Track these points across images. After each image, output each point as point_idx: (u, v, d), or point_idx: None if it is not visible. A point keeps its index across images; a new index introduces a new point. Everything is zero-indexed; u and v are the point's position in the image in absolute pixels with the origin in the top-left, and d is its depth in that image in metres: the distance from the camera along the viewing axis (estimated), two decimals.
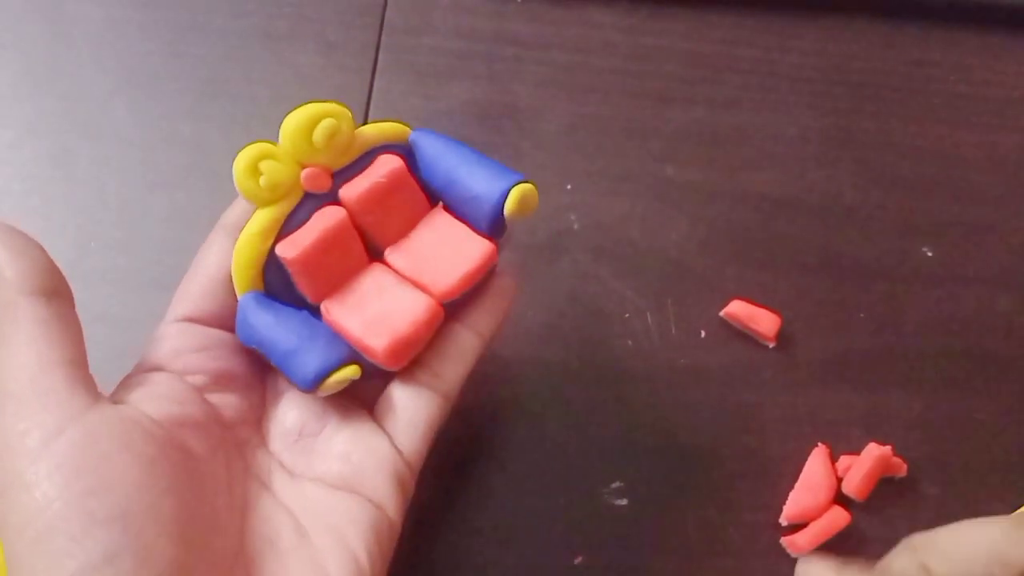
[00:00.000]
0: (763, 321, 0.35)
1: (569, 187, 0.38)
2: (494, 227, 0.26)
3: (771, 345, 0.36)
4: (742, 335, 0.36)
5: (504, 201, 0.25)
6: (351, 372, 0.24)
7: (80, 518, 0.19)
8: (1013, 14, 0.43)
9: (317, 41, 0.41)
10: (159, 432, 0.22)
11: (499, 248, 0.27)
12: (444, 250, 0.26)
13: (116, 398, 0.23)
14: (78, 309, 0.35)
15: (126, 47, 0.40)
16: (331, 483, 0.25)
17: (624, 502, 0.33)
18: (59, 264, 0.35)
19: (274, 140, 0.39)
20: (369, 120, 0.39)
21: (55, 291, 0.22)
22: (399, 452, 0.25)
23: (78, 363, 0.22)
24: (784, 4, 0.43)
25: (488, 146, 0.39)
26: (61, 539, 0.19)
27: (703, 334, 0.36)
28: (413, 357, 0.25)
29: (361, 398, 0.27)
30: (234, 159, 0.25)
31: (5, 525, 0.20)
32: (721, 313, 0.36)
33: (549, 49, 0.42)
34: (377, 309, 0.25)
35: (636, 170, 0.39)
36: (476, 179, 0.26)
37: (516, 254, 0.33)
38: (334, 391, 0.24)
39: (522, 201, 0.25)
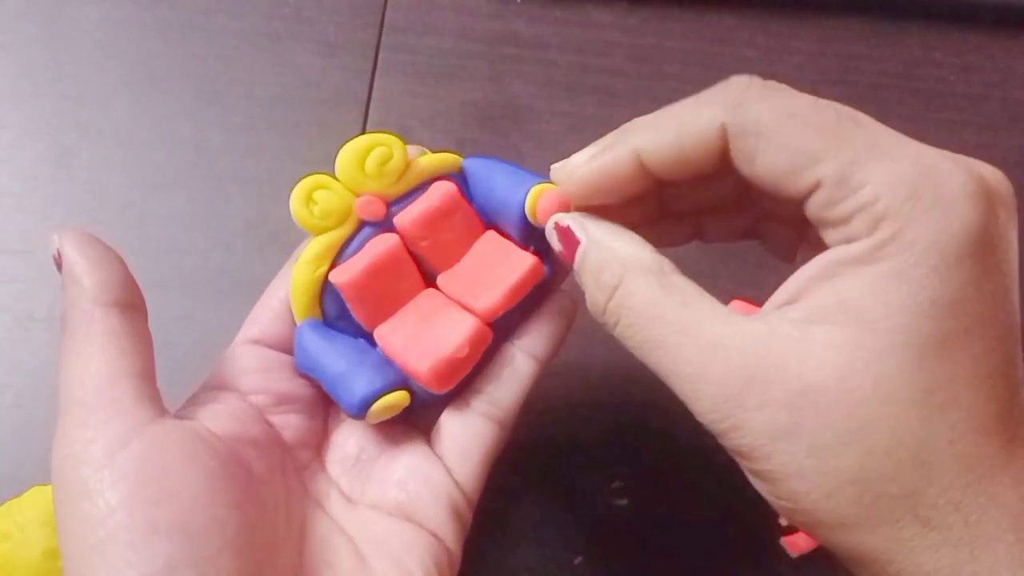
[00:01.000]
0: None
1: None
2: (526, 234, 0.26)
3: None
4: None
5: (524, 203, 0.25)
6: (398, 398, 0.24)
7: (142, 527, 0.19)
8: (1013, 14, 0.43)
9: (317, 41, 0.41)
10: (222, 447, 0.22)
11: (552, 264, 0.26)
12: (491, 269, 0.26)
13: (182, 413, 0.23)
14: None
15: (126, 47, 0.40)
16: (388, 511, 0.25)
17: (624, 502, 0.33)
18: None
19: (279, 146, 0.39)
20: (368, 121, 0.39)
21: (130, 304, 0.23)
22: (455, 482, 0.25)
23: (147, 376, 0.22)
24: (784, 4, 0.43)
25: (488, 146, 0.39)
26: (122, 548, 0.19)
27: None
28: (460, 379, 0.25)
29: (420, 425, 0.26)
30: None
31: (66, 532, 0.20)
32: None
33: (549, 49, 0.42)
34: (425, 333, 0.25)
35: None
36: (504, 187, 0.25)
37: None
38: (383, 418, 0.24)
39: (540, 204, 0.25)
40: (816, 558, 0.32)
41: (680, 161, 0.22)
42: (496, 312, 0.25)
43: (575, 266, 0.23)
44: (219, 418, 0.23)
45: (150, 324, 0.26)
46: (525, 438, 0.34)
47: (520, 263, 0.25)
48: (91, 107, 0.39)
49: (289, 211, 0.37)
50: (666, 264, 0.22)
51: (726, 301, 0.36)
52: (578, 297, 0.27)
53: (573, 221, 0.23)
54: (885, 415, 0.19)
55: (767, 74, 0.43)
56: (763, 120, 0.21)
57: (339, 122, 0.39)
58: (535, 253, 0.26)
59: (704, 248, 0.38)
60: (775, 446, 0.19)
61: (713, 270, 0.37)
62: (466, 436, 0.26)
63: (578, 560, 0.32)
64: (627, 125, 0.24)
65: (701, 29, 0.43)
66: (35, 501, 0.29)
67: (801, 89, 0.44)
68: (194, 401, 0.24)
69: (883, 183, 0.19)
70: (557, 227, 0.23)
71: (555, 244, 0.24)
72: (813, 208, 0.21)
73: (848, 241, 0.20)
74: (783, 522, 0.33)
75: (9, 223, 0.36)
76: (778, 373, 0.19)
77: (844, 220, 0.20)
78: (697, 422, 0.35)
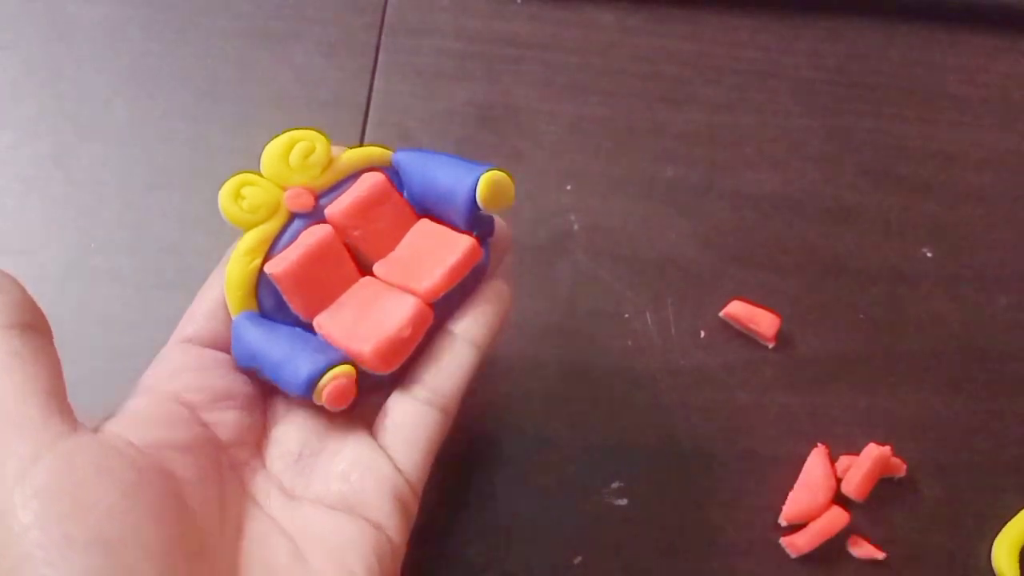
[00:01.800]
0: (763, 321, 0.35)
1: (569, 188, 0.38)
2: (471, 220, 0.26)
3: (771, 345, 0.36)
4: (742, 335, 0.36)
5: (475, 190, 0.25)
6: (345, 370, 0.24)
7: (57, 543, 0.19)
8: (1013, 14, 0.43)
9: (317, 41, 0.41)
10: (140, 457, 0.22)
11: (489, 248, 0.27)
12: (428, 253, 0.26)
13: (103, 425, 0.23)
14: (78, 308, 0.35)
15: (126, 47, 0.40)
16: (330, 504, 0.24)
17: (624, 502, 0.33)
18: (59, 264, 0.35)
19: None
20: (368, 121, 0.39)
21: (30, 325, 0.22)
22: (399, 471, 0.25)
23: (55, 394, 0.22)
24: (784, 4, 0.43)
25: (488, 146, 0.39)
26: (39, 565, 0.19)
27: (703, 334, 0.36)
28: (403, 359, 0.25)
29: (362, 417, 0.26)
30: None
31: None
32: (721, 313, 0.36)
33: (549, 49, 0.42)
34: (366, 316, 0.25)
35: (636, 170, 0.39)
36: (449, 175, 0.26)
37: (515, 256, 0.33)
38: (336, 401, 0.24)
39: (493, 187, 0.25)
40: (816, 558, 0.32)
41: None
42: (437, 292, 0.25)
43: None
44: (141, 426, 0.23)
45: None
46: (524, 438, 0.34)
47: (458, 243, 0.26)
48: (91, 107, 0.39)
49: None
50: None
51: (726, 301, 0.36)
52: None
53: None
54: None
55: (767, 74, 0.43)
56: None
57: (339, 122, 0.39)
58: (471, 235, 0.26)
59: (705, 248, 0.38)
60: None
61: (713, 270, 0.37)
62: (409, 425, 0.25)
63: (578, 560, 0.32)
64: None
65: (701, 29, 0.43)
66: None
67: (801, 89, 0.44)
68: (120, 410, 0.24)
69: None
70: None
71: None
72: None
73: None
74: (783, 522, 0.33)
75: (9, 223, 0.36)
76: None
77: None
78: (697, 422, 0.35)
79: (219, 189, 0.25)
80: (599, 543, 0.33)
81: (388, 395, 0.26)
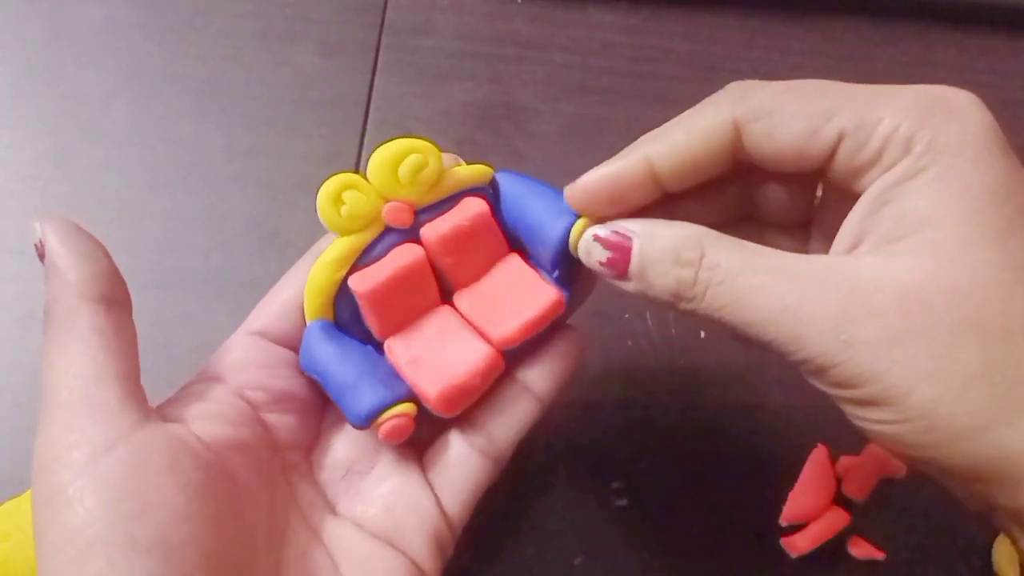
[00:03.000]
0: None
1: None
2: (558, 261, 0.25)
3: None
4: (742, 335, 0.36)
5: (568, 235, 0.24)
6: (406, 408, 0.24)
7: (122, 542, 0.19)
8: (1013, 14, 0.43)
9: (317, 41, 0.41)
10: (208, 456, 0.22)
11: (573, 298, 0.26)
12: (511, 297, 0.25)
13: (169, 412, 0.23)
14: None
15: (126, 47, 0.40)
16: (371, 530, 0.24)
17: (624, 502, 0.33)
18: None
19: (279, 146, 0.39)
20: (368, 121, 0.39)
21: (116, 299, 0.22)
22: (443, 513, 0.25)
23: (132, 376, 0.22)
24: (784, 4, 0.43)
25: (488, 146, 0.39)
26: (100, 562, 0.19)
27: (703, 334, 0.36)
28: (467, 405, 0.25)
29: (414, 444, 0.26)
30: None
31: (43, 539, 0.20)
32: None
33: (549, 49, 0.42)
34: (437, 353, 0.25)
35: None
36: (545, 210, 0.25)
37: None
38: (392, 438, 0.24)
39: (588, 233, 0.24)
40: (816, 558, 0.32)
41: (691, 164, 0.22)
42: (512, 343, 0.25)
43: (633, 266, 0.22)
44: (209, 420, 0.23)
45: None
46: (524, 438, 0.34)
47: (542, 297, 0.25)
48: (91, 107, 0.39)
49: (288, 211, 0.37)
50: (709, 230, 0.22)
51: None
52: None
53: (615, 226, 0.23)
54: (990, 299, 0.19)
55: (767, 74, 0.43)
56: (769, 101, 0.22)
57: (339, 122, 0.39)
58: (557, 286, 0.25)
59: None
60: (894, 354, 0.19)
61: None
62: (460, 469, 0.25)
63: (578, 560, 0.32)
64: (640, 139, 0.24)
65: (701, 29, 0.43)
66: None
67: None
68: (187, 394, 0.24)
69: (898, 112, 0.20)
70: (598, 239, 0.23)
71: (598, 256, 0.23)
72: (841, 161, 0.21)
73: (886, 171, 0.20)
74: (783, 522, 0.33)
75: (9, 223, 0.36)
76: (876, 285, 0.19)
77: (876, 157, 0.21)
78: (697, 422, 0.35)
79: (318, 189, 0.24)
80: (599, 543, 0.33)
81: (444, 427, 0.26)
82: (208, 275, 0.36)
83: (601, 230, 0.23)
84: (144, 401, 0.22)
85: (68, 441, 0.20)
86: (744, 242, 0.21)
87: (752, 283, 0.20)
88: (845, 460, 0.34)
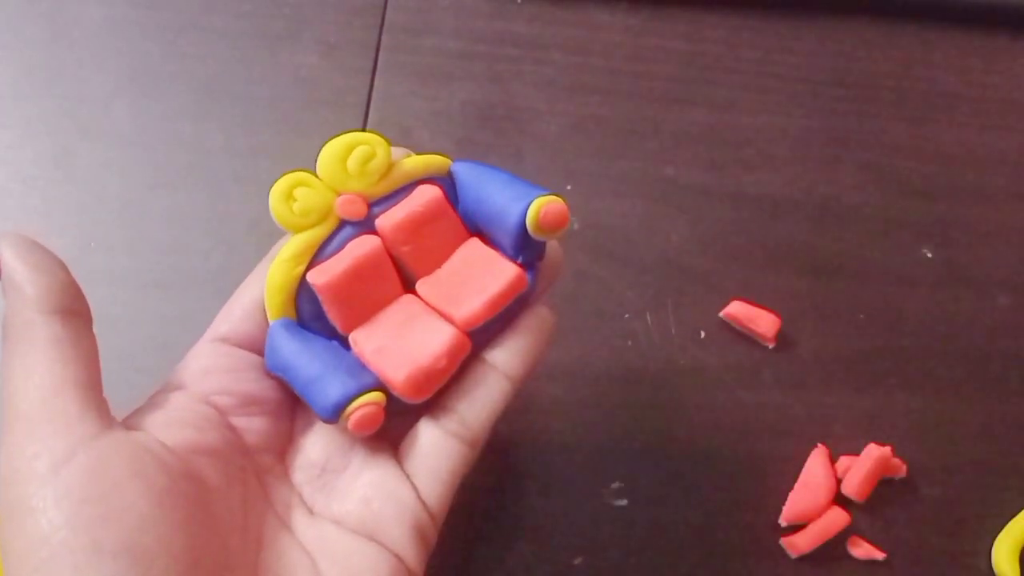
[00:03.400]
0: (763, 321, 0.35)
1: (569, 187, 0.38)
2: (520, 245, 0.25)
3: (770, 345, 0.36)
4: (742, 335, 0.36)
5: (525, 215, 0.24)
6: (374, 397, 0.23)
7: (86, 548, 0.19)
8: (1013, 14, 0.43)
9: (317, 41, 0.41)
10: (173, 461, 0.21)
11: (536, 274, 0.26)
12: (472, 277, 0.25)
13: (132, 422, 0.22)
14: None
15: (126, 47, 0.40)
16: (350, 527, 0.24)
17: (624, 502, 0.33)
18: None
19: (279, 146, 0.39)
20: (368, 121, 0.39)
21: (74, 311, 0.22)
22: (421, 501, 0.24)
23: (92, 386, 0.21)
24: (784, 4, 0.43)
25: (488, 146, 0.39)
26: (66, 569, 0.19)
27: (703, 334, 0.36)
28: (437, 389, 0.25)
29: (388, 438, 0.26)
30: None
31: (8, 551, 0.19)
32: (721, 313, 0.36)
33: (549, 49, 0.42)
34: (402, 340, 0.24)
35: (636, 170, 0.39)
36: (502, 195, 0.25)
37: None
38: (362, 428, 0.23)
39: (544, 215, 0.24)
40: (816, 558, 0.32)
41: None
42: (476, 322, 0.24)
43: None
44: (174, 426, 0.22)
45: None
46: (524, 438, 0.34)
47: (503, 272, 0.25)
48: (91, 107, 0.39)
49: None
50: None
51: (726, 301, 0.36)
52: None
53: None
54: None
55: (767, 74, 0.43)
56: None
57: (339, 122, 0.39)
58: (519, 264, 0.25)
59: (705, 248, 0.38)
60: None
61: (713, 271, 0.37)
62: (435, 456, 0.25)
63: (578, 560, 0.32)
64: None
65: (701, 29, 0.43)
66: None
67: (801, 89, 0.44)
68: (151, 404, 0.24)
69: None
70: None
71: None
72: None
73: None
74: (783, 522, 0.33)
75: (9, 223, 0.36)
76: None
77: None
78: (697, 422, 0.35)
79: (270, 187, 0.24)
80: (599, 543, 0.33)
81: (416, 418, 0.25)
82: (208, 275, 0.36)
83: None
84: (106, 410, 0.21)
85: (29, 452, 0.20)
86: None
87: None
88: (845, 460, 0.34)
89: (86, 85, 0.39)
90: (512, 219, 0.24)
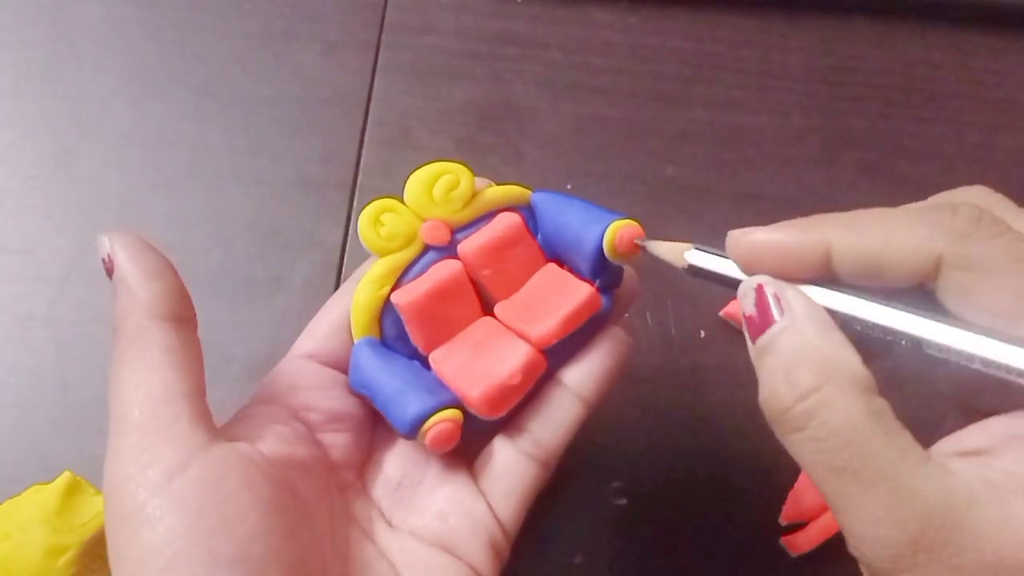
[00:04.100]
0: None
1: (569, 187, 0.38)
2: (597, 269, 0.26)
3: None
4: (742, 335, 0.36)
5: (602, 239, 0.25)
6: (451, 414, 0.24)
7: (204, 558, 0.19)
8: (1013, 14, 0.43)
9: (317, 41, 0.41)
10: (275, 473, 0.22)
11: (613, 298, 0.26)
12: (548, 298, 0.26)
13: (231, 433, 0.23)
14: (78, 308, 0.35)
15: (126, 47, 0.40)
16: (427, 539, 0.24)
17: (624, 502, 0.33)
18: (59, 264, 0.35)
19: (279, 146, 0.39)
20: (368, 121, 0.39)
21: (184, 317, 0.22)
22: (496, 519, 0.25)
23: (199, 395, 0.22)
24: (784, 4, 0.43)
25: (488, 146, 0.39)
26: None
27: (703, 334, 0.36)
28: (511, 407, 0.25)
29: (463, 454, 0.26)
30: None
31: (121, 559, 0.20)
32: (721, 313, 0.36)
33: (549, 49, 0.42)
34: (479, 359, 0.25)
35: (636, 170, 0.39)
36: (579, 221, 0.26)
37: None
38: (438, 444, 0.24)
39: (621, 236, 0.25)
40: (816, 558, 0.32)
41: (874, 272, 0.20)
42: (550, 340, 0.25)
43: (758, 343, 0.21)
44: (270, 440, 0.23)
45: None
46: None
47: (576, 292, 0.25)
48: (91, 107, 0.39)
49: (288, 210, 0.37)
50: (874, 383, 0.20)
51: (726, 301, 0.36)
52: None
53: (780, 291, 0.21)
54: None
55: (767, 74, 0.43)
56: (991, 258, 0.19)
57: (339, 122, 0.39)
58: (593, 285, 0.26)
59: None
60: None
61: None
62: (509, 475, 0.25)
63: (578, 560, 0.32)
64: (822, 216, 0.22)
65: (701, 29, 0.43)
66: (35, 501, 0.29)
67: (801, 89, 0.44)
68: (245, 417, 0.24)
69: None
70: (759, 291, 0.21)
71: (746, 307, 0.22)
72: None
73: None
74: (783, 522, 0.33)
75: (9, 223, 0.36)
76: (973, 540, 0.18)
77: None
78: (697, 422, 0.35)
79: (360, 212, 0.25)
80: (599, 543, 0.33)
81: (492, 437, 0.26)
82: (208, 274, 0.36)
83: (768, 285, 0.21)
84: (211, 420, 0.22)
85: (142, 461, 0.20)
86: (879, 411, 0.20)
87: (855, 467, 0.19)
88: None
89: (86, 85, 0.39)
90: (589, 242, 0.25)
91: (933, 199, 0.21)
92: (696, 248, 0.24)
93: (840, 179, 0.40)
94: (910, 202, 0.42)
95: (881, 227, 0.20)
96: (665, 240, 0.25)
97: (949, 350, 0.20)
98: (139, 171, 0.38)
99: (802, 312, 0.21)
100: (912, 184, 0.40)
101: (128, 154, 0.38)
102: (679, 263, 0.24)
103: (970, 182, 0.41)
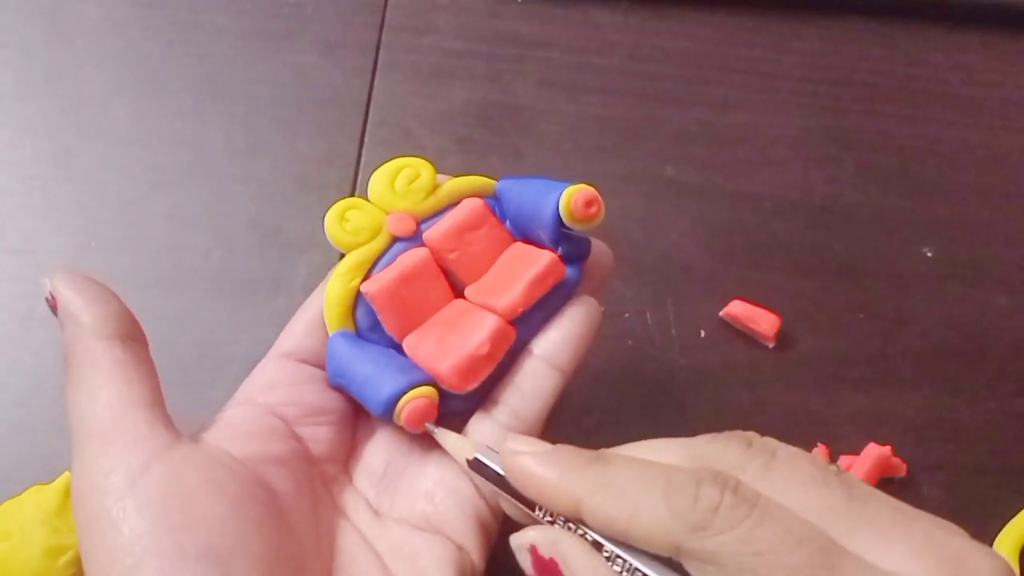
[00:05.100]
0: (763, 321, 0.35)
1: None
2: (558, 237, 0.26)
3: (771, 345, 0.36)
4: (742, 335, 0.36)
5: (559, 202, 0.25)
6: (425, 391, 0.24)
7: (170, 553, 0.19)
8: (1013, 14, 0.43)
9: (317, 41, 0.41)
10: (242, 470, 0.22)
11: (581, 268, 0.27)
12: (512, 271, 0.26)
13: (200, 436, 0.23)
14: None
15: (126, 47, 0.40)
16: (415, 523, 0.25)
17: None
18: (59, 263, 0.35)
19: (279, 146, 0.39)
20: (368, 120, 0.39)
21: (129, 335, 0.23)
22: (482, 496, 0.25)
23: (157, 403, 0.22)
24: (784, 4, 0.43)
25: (488, 146, 0.39)
26: (152, 574, 0.19)
27: (703, 334, 0.36)
28: (482, 378, 0.25)
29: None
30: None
31: (92, 562, 0.20)
32: (721, 313, 0.36)
33: (549, 49, 0.42)
34: (450, 337, 0.25)
35: (636, 170, 0.39)
36: (538, 191, 0.26)
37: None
38: (413, 421, 0.24)
39: (576, 199, 0.25)
40: None
41: (623, 540, 0.20)
42: (516, 308, 0.25)
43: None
44: (239, 439, 0.23)
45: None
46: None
47: (538, 259, 0.26)
48: (91, 107, 0.39)
49: (288, 210, 0.37)
50: None
51: (727, 301, 0.36)
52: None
53: (555, 553, 0.21)
54: None
55: (767, 74, 0.43)
56: (726, 553, 0.18)
57: (339, 122, 0.39)
58: (556, 253, 0.26)
59: (705, 248, 0.38)
60: None
61: (713, 271, 0.37)
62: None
63: None
64: (588, 463, 0.21)
65: (701, 29, 0.43)
66: (35, 500, 0.29)
67: (801, 89, 0.43)
68: (216, 420, 0.24)
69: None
70: (535, 554, 0.21)
71: (524, 565, 0.22)
72: None
73: None
74: None
75: (9, 223, 0.36)
76: None
77: None
78: (697, 422, 0.35)
79: (327, 211, 0.26)
80: None
81: (469, 418, 0.26)
82: (208, 274, 0.36)
83: (544, 544, 0.21)
84: (172, 425, 0.22)
85: (105, 467, 0.20)
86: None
87: None
88: (845, 459, 0.34)
89: (86, 85, 0.39)
90: (547, 209, 0.25)
91: (697, 449, 0.21)
92: (478, 455, 0.24)
93: (840, 179, 0.40)
94: (910, 202, 0.43)
95: (630, 501, 0.20)
96: (455, 433, 0.25)
97: None
98: (139, 171, 0.38)
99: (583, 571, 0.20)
100: (912, 184, 0.40)
101: (128, 154, 0.38)
102: (460, 457, 0.24)
103: (970, 182, 0.42)
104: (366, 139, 0.39)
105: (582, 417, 0.34)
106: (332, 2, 0.42)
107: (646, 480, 0.20)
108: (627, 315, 0.36)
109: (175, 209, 0.37)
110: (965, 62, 0.43)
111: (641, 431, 0.35)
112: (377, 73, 0.40)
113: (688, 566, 0.19)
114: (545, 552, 0.21)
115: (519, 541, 0.22)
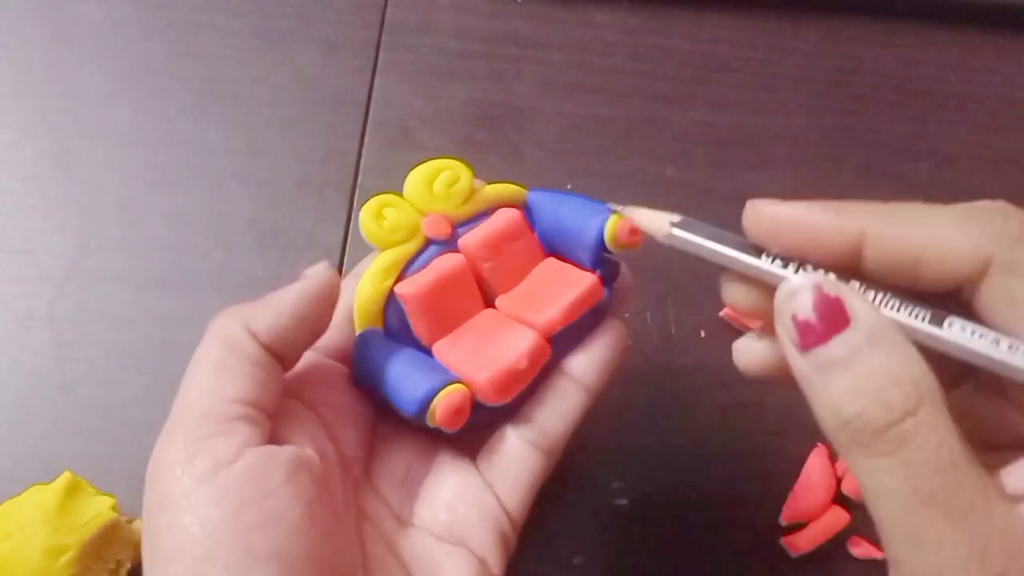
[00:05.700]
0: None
1: (569, 187, 0.38)
2: (597, 261, 0.26)
3: None
4: (743, 335, 0.36)
5: (603, 231, 0.25)
6: (457, 388, 0.24)
7: (240, 552, 0.19)
8: (1013, 14, 0.43)
9: (317, 41, 0.41)
10: (320, 472, 0.22)
11: (614, 293, 0.27)
12: (550, 288, 0.26)
13: (278, 435, 0.23)
14: (78, 308, 0.35)
15: (126, 47, 0.40)
16: (436, 533, 0.24)
17: (624, 502, 0.33)
18: (59, 264, 0.35)
19: (279, 146, 0.39)
20: (368, 120, 0.39)
21: (281, 355, 0.23)
22: (503, 508, 0.25)
23: (268, 412, 0.22)
24: (784, 4, 0.43)
25: (488, 146, 0.39)
26: (218, 570, 0.19)
27: (703, 334, 0.36)
28: (517, 393, 0.25)
29: (467, 447, 0.26)
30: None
31: (155, 546, 0.20)
32: (721, 313, 0.36)
33: (549, 49, 0.42)
34: (485, 348, 0.25)
35: (636, 170, 0.39)
36: (579, 213, 0.26)
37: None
38: (448, 419, 0.24)
39: (622, 227, 0.25)
40: (816, 558, 0.32)
41: (909, 270, 0.19)
42: (555, 326, 0.25)
43: (818, 355, 0.19)
44: (312, 439, 0.23)
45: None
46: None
47: (580, 280, 0.26)
48: (91, 107, 0.39)
49: (288, 210, 0.37)
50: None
51: (723, 304, 0.36)
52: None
53: (841, 294, 0.19)
54: None
55: (767, 74, 0.43)
56: None
57: (339, 122, 0.39)
58: (597, 275, 0.26)
59: None
60: None
61: (713, 270, 0.37)
62: (514, 464, 0.25)
63: (578, 560, 0.32)
64: (854, 203, 0.20)
65: (701, 29, 0.43)
66: (35, 500, 0.29)
67: (801, 89, 0.43)
68: (283, 415, 0.24)
69: None
70: (818, 293, 0.19)
71: (800, 310, 0.19)
72: None
73: None
74: (783, 522, 0.33)
75: (9, 223, 0.36)
76: None
77: None
78: (697, 422, 0.35)
79: (361, 207, 0.26)
80: (599, 543, 0.33)
81: (494, 428, 0.26)
82: (208, 274, 0.36)
83: (830, 287, 0.19)
84: (267, 429, 0.22)
85: (192, 450, 0.20)
86: (961, 438, 0.18)
87: (948, 499, 0.17)
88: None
89: (86, 85, 0.39)
90: (591, 233, 0.25)
91: (961, 206, 0.19)
92: (678, 224, 0.22)
93: (840, 179, 0.40)
94: (910, 202, 0.42)
95: (924, 221, 0.19)
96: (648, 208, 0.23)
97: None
98: (139, 171, 0.38)
99: (871, 322, 0.18)
100: (912, 184, 0.40)
101: (128, 154, 0.38)
102: (660, 233, 0.23)
103: (970, 182, 0.42)
104: (366, 139, 0.39)
105: (583, 417, 0.34)
106: (332, 2, 0.42)
107: (939, 209, 0.19)
108: (627, 315, 0.36)
109: (175, 209, 0.37)
110: (965, 62, 0.43)
111: (641, 431, 0.35)
112: (377, 73, 0.40)
113: (991, 288, 0.18)
114: (831, 291, 0.19)
115: (797, 283, 0.19)
